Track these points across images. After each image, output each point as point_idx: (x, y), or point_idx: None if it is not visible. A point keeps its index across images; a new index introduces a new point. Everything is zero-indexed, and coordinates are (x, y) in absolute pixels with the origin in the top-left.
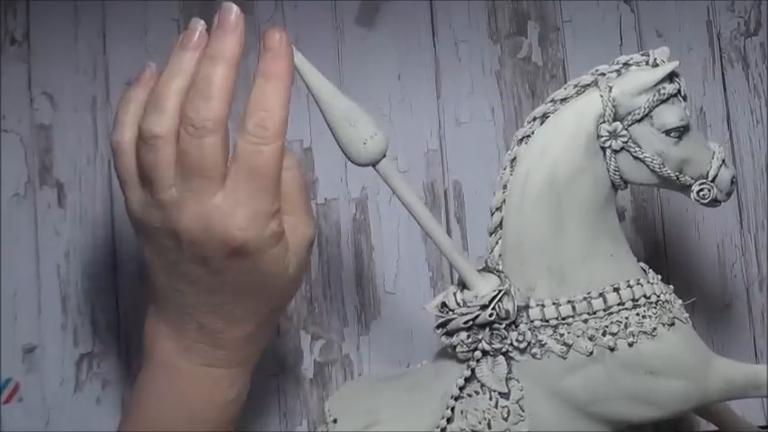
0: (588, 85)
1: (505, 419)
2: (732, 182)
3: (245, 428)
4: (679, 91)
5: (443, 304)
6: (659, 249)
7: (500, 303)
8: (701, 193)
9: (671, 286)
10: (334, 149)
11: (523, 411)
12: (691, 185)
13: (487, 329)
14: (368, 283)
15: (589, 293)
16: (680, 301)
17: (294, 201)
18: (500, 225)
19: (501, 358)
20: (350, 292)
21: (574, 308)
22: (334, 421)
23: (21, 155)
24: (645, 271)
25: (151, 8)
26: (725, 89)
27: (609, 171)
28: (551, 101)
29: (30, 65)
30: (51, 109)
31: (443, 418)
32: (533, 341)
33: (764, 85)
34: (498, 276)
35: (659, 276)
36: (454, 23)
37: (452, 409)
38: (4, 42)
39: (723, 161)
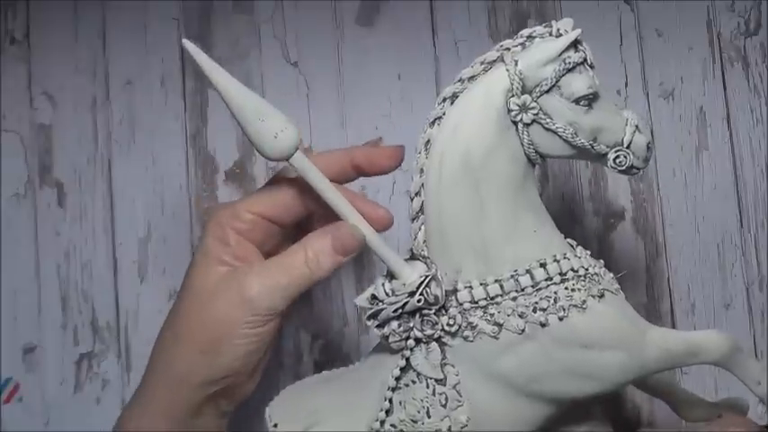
0: (494, 60)
1: (444, 406)
2: (648, 147)
3: (244, 428)
4: (585, 59)
5: (373, 296)
6: (659, 249)
7: (428, 289)
8: (618, 161)
9: (601, 261)
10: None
11: (461, 396)
12: (606, 154)
13: (418, 316)
14: (368, 283)
15: (516, 271)
16: (611, 275)
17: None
18: (421, 210)
19: (434, 345)
20: (350, 292)
21: (502, 287)
22: (275, 426)
23: (21, 155)
24: (572, 246)
25: (151, 8)
26: (725, 89)
27: (523, 145)
28: (459, 80)
29: (30, 65)
30: (51, 109)
31: (382, 410)
32: (464, 324)
33: (764, 85)
34: (424, 262)
35: (588, 252)
36: (454, 23)
37: (390, 401)
38: (4, 42)
39: (637, 127)
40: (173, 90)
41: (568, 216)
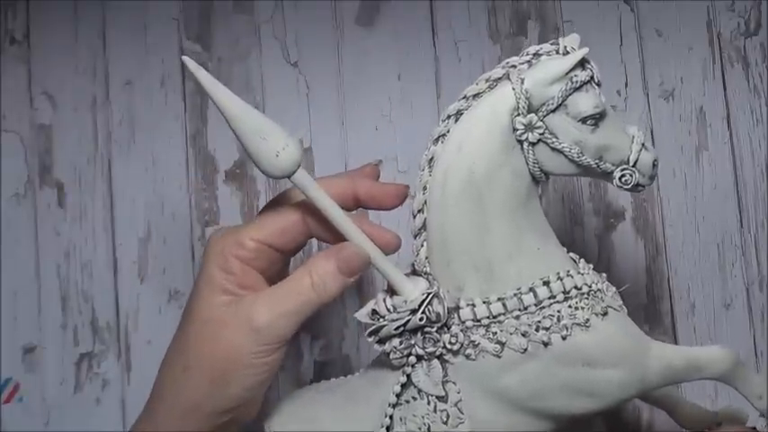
0: (500, 78)
1: (445, 423)
2: (654, 165)
3: (244, 428)
4: (592, 77)
5: (374, 311)
6: (659, 249)
7: (430, 306)
8: (624, 179)
9: (604, 275)
10: (335, 149)
11: (463, 414)
12: (612, 172)
13: (419, 334)
14: (367, 283)
15: (519, 289)
16: (614, 289)
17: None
18: (423, 227)
19: (435, 362)
20: (350, 293)
21: (504, 305)
22: None
23: (21, 155)
24: (575, 261)
25: (151, 8)
26: (725, 89)
27: (528, 164)
28: (464, 97)
29: (30, 65)
30: (51, 109)
31: (383, 426)
32: (466, 342)
33: (764, 85)
34: (426, 279)
35: (590, 266)
36: (454, 23)
37: (391, 417)
38: (4, 42)
39: (643, 145)
40: (173, 90)
41: (569, 216)
